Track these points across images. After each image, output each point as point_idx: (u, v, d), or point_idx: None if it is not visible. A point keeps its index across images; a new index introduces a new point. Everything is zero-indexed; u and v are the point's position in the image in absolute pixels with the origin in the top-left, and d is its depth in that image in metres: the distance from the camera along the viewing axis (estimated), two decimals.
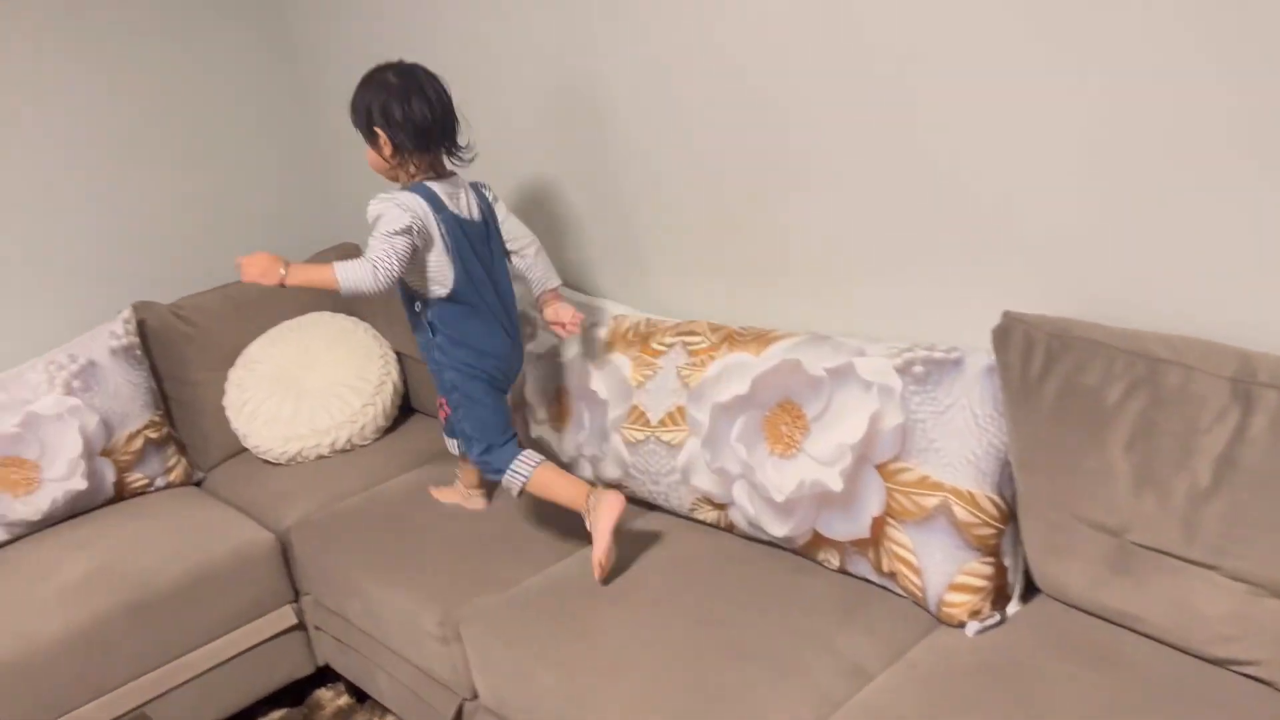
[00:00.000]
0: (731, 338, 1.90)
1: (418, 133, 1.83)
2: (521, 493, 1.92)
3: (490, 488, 2.23)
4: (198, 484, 2.70)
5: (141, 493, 2.57)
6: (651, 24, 2.01)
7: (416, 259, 1.84)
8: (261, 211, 3.05)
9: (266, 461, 2.65)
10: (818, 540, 1.72)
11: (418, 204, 1.82)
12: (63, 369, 2.45)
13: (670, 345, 1.99)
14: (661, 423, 1.94)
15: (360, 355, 2.71)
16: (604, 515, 1.78)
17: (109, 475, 2.47)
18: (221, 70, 2.92)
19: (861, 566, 1.69)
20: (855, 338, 1.75)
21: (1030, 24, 1.49)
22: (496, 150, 2.41)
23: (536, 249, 2.03)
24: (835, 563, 1.73)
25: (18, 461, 2.33)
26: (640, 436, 1.98)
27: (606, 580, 1.81)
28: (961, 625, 1.55)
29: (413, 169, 1.88)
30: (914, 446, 1.58)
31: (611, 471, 2.07)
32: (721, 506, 1.88)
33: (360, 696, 2.42)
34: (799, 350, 1.76)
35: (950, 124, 1.62)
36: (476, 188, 1.98)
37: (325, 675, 2.49)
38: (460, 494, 2.24)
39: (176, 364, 2.70)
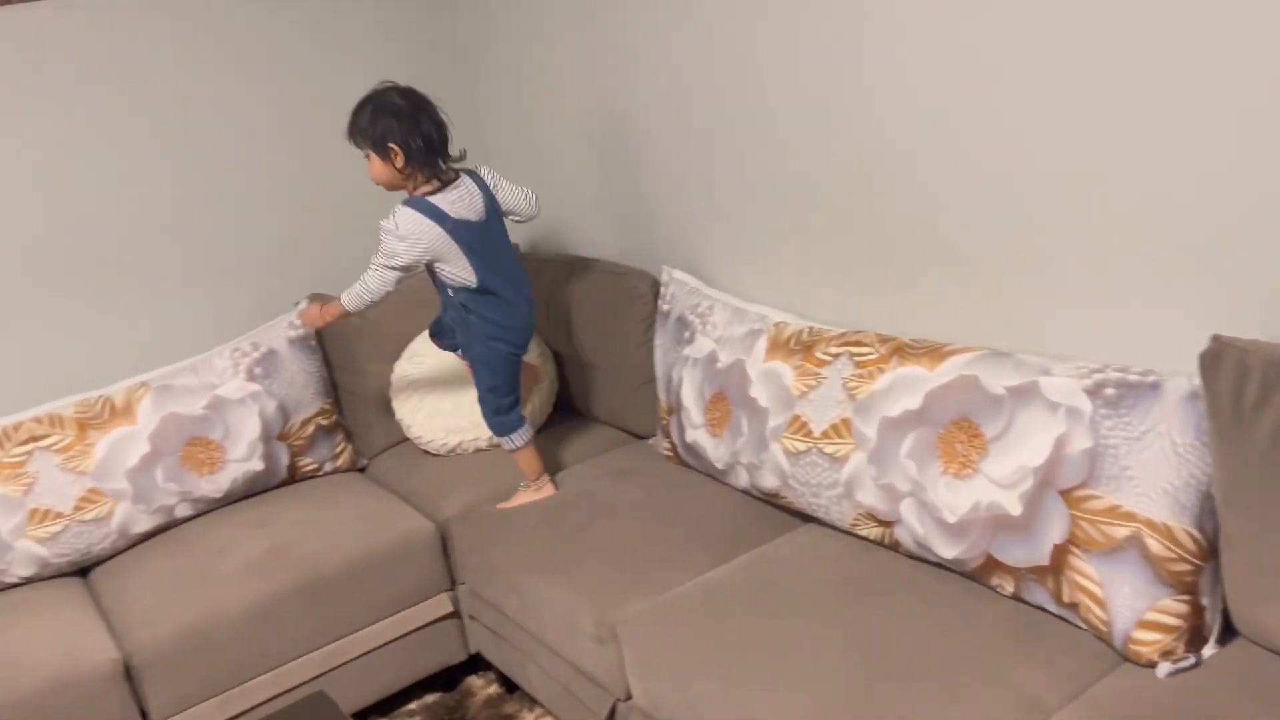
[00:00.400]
0: (902, 350, 1.85)
1: (428, 147, 2.07)
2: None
3: (553, 472, 2.46)
4: (361, 470, 2.81)
5: (311, 476, 2.69)
6: (815, 20, 1.98)
7: (437, 267, 2.18)
8: None
9: (426, 452, 2.74)
10: (991, 564, 1.66)
11: (425, 230, 2.10)
12: (246, 356, 2.59)
13: (835, 355, 1.95)
14: (825, 434, 1.90)
15: None
16: (542, 493, 2.32)
17: (283, 458, 2.60)
18: (394, 74, 3.02)
19: (1039, 595, 1.61)
20: (1038, 355, 1.67)
21: (1250, 30, 1.39)
22: (643, 138, 2.43)
23: (527, 217, 2.31)
24: (1009, 589, 1.66)
25: (204, 442, 2.47)
26: (802, 447, 1.95)
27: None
28: (1151, 665, 1.46)
29: (420, 179, 2.10)
30: (1103, 473, 1.50)
31: (769, 481, 2.04)
32: (887, 523, 1.83)
33: (510, 687, 2.47)
34: (977, 366, 1.69)
35: (1157, 121, 1.53)
36: (475, 175, 2.19)
37: (476, 663, 2.56)
38: (529, 492, 2.37)
39: (347, 354, 2.82)
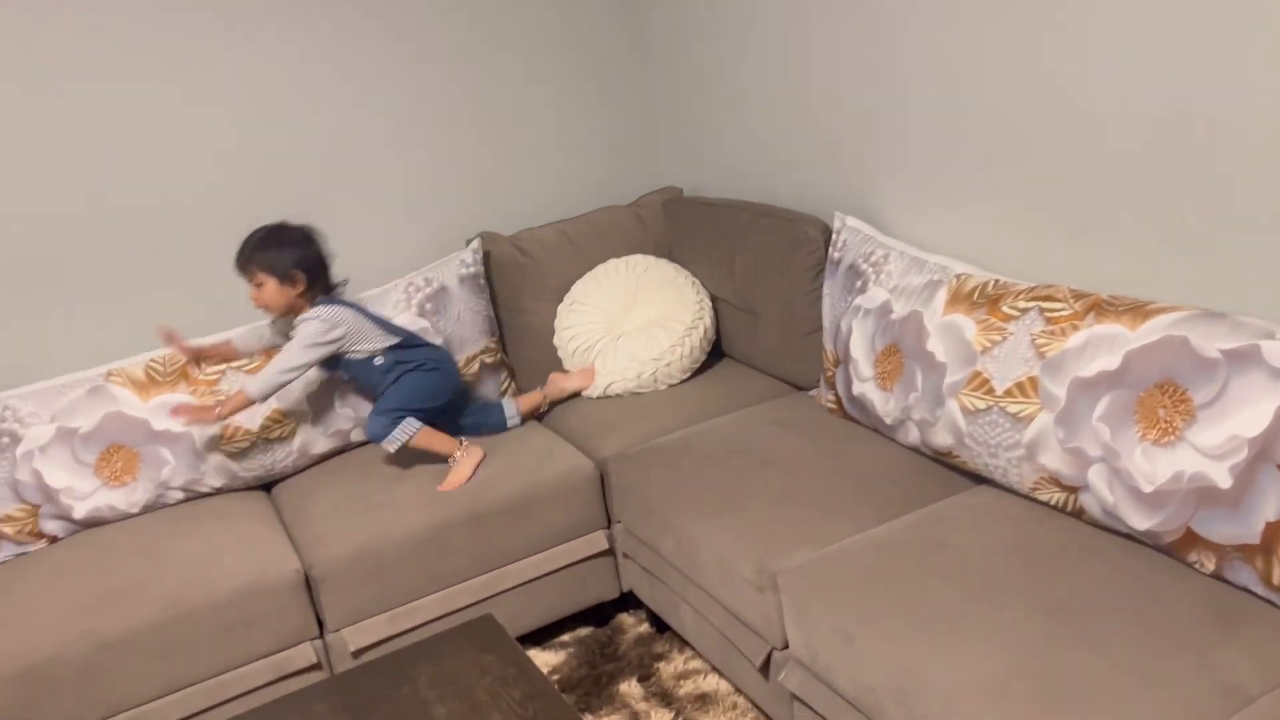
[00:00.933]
0: (1099, 306, 1.73)
1: (326, 269, 2.39)
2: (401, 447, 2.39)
3: (710, 418, 2.49)
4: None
5: None
6: None
7: (354, 351, 2.40)
8: (596, 153, 3.16)
9: (580, 394, 2.76)
10: (1190, 539, 1.55)
11: (344, 313, 2.37)
12: (419, 291, 2.66)
13: (1024, 310, 1.85)
14: (1008, 393, 1.81)
15: (677, 298, 2.75)
16: (474, 457, 2.41)
17: None
18: (568, 17, 3.02)
19: (1244, 575, 1.50)
20: (1259, 318, 1.54)
21: None
22: (818, 79, 2.34)
23: None
24: (1210, 567, 1.55)
25: None
26: (981, 405, 1.86)
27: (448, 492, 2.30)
28: None
29: (314, 296, 2.37)
30: None
31: (942, 439, 1.97)
32: (1071, 489, 1.74)
33: (661, 627, 2.50)
34: (1187, 326, 1.57)
35: None
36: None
37: (628, 601, 2.59)
38: (464, 463, 2.39)
39: (512, 293, 2.87)
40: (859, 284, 2.25)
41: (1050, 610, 1.54)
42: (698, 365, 2.73)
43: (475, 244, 2.79)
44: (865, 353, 2.17)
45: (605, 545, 2.47)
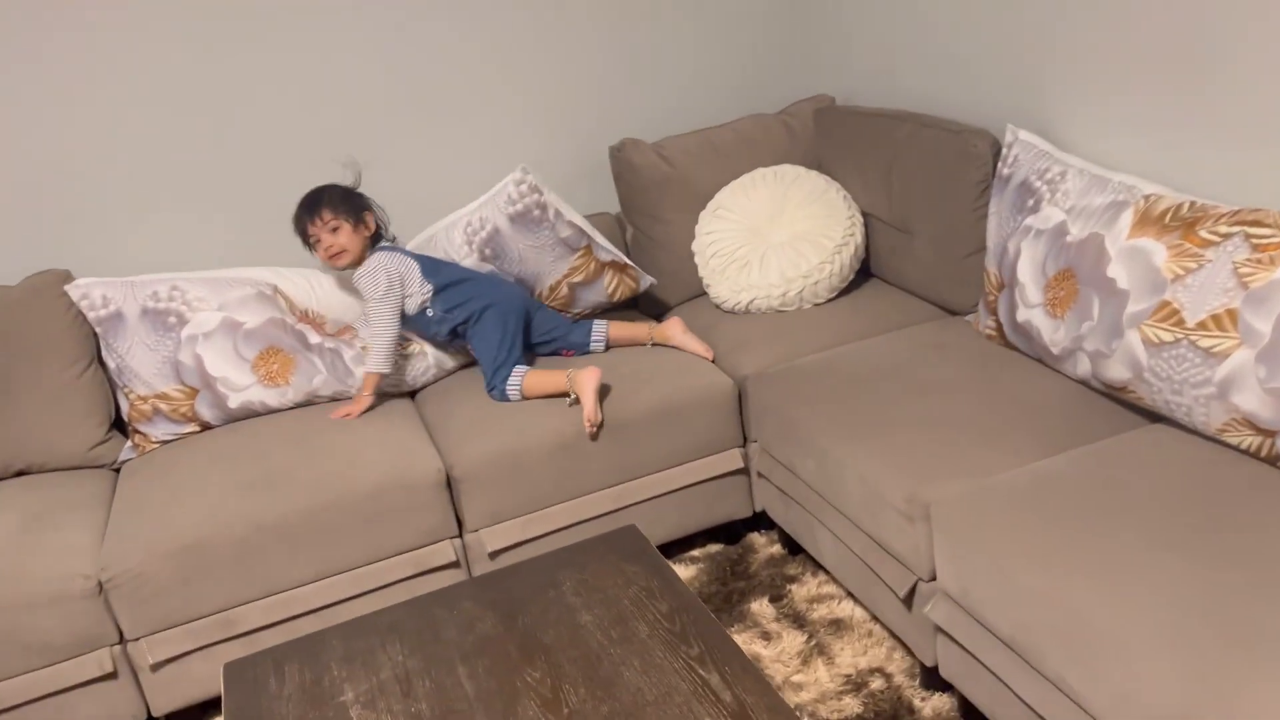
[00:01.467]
0: None
1: (383, 219, 2.46)
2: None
3: (858, 339, 2.44)
4: (657, 319, 2.82)
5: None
6: None
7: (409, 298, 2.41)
8: (743, 58, 3.03)
9: (719, 308, 2.70)
10: None
11: (388, 258, 2.39)
12: (477, 234, 2.51)
13: (1226, 235, 1.68)
14: (1202, 325, 1.66)
15: (827, 213, 2.63)
16: (588, 382, 2.23)
17: None
18: None
19: None
20: None
21: None
22: None
23: None
24: None
25: None
26: (1168, 338, 1.72)
27: (595, 435, 2.24)
28: None
29: (374, 244, 2.42)
30: None
31: (1117, 373, 1.83)
32: (1268, 433, 1.59)
33: (793, 549, 2.46)
34: None
35: None
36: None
37: (760, 521, 2.56)
38: (588, 398, 2.24)
39: (654, 201, 2.80)
40: (1030, 202, 2.10)
41: (1233, 559, 1.43)
42: (846, 284, 2.62)
43: (517, 173, 2.52)
44: (1034, 276, 2.03)
45: (740, 463, 2.43)
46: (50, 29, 2.39)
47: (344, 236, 2.35)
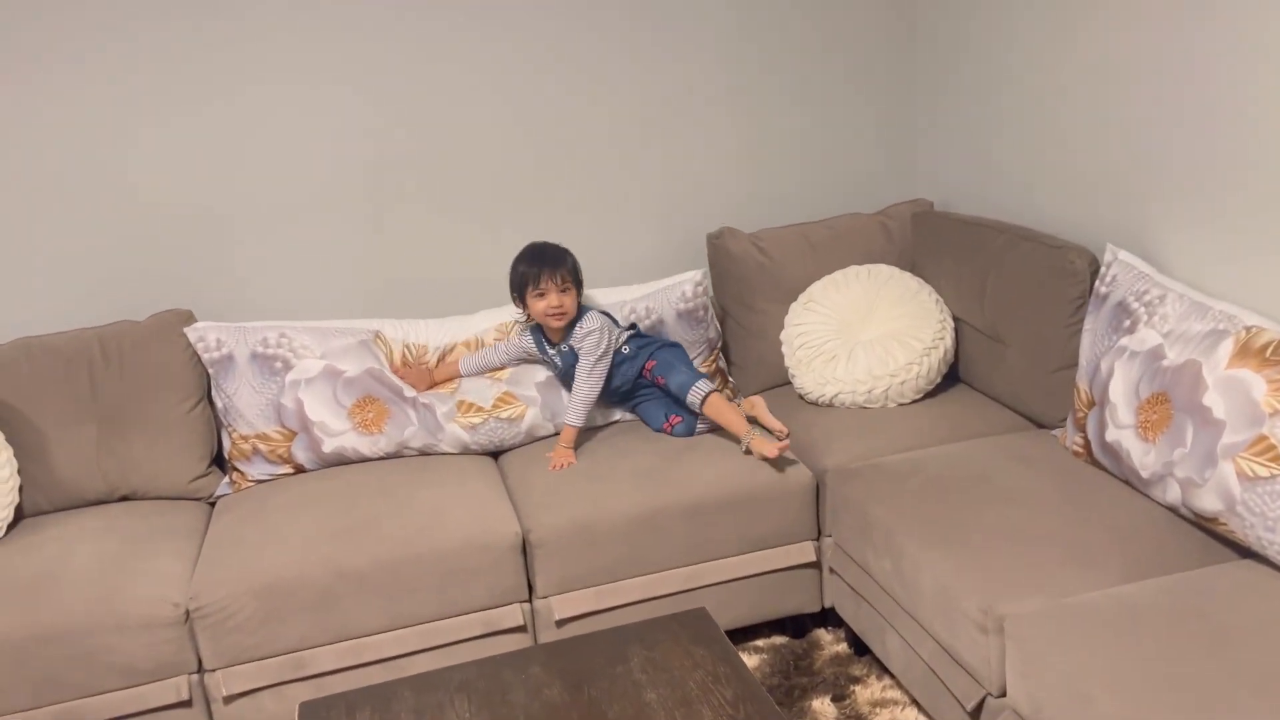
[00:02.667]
0: None
1: None
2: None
3: (941, 443, 2.42)
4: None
5: None
6: None
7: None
8: (846, 157, 3.09)
9: (803, 398, 2.72)
10: None
11: (603, 318, 2.54)
12: (640, 321, 2.69)
13: None
14: None
15: (918, 314, 2.65)
16: (768, 452, 2.35)
17: None
18: (834, 15, 2.96)
19: None
20: None
21: None
22: (1095, 100, 2.19)
23: None
24: None
25: None
26: (1263, 473, 1.69)
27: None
28: None
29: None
30: None
31: (1209, 503, 1.80)
32: None
33: (859, 649, 2.43)
34: None
35: None
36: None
37: (828, 617, 2.54)
38: (759, 440, 2.39)
39: (747, 290, 2.86)
40: (1127, 323, 2.10)
41: None
42: (932, 387, 2.63)
43: (697, 274, 2.73)
44: (1127, 398, 2.02)
45: (813, 557, 2.43)
46: (211, 89, 2.59)
47: (570, 300, 2.49)
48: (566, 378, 2.56)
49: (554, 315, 2.48)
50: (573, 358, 2.52)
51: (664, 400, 2.58)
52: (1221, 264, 2.09)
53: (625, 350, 2.55)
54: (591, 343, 2.48)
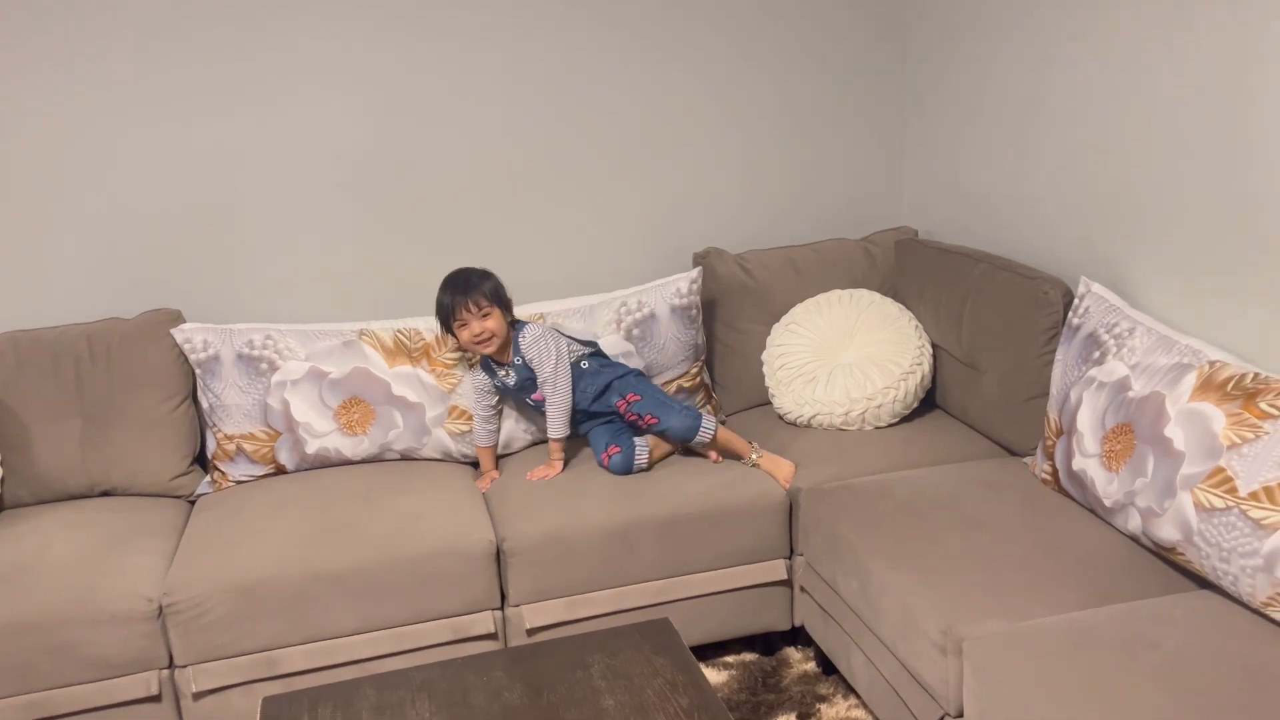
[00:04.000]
0: None
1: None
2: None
3: (912, 467, 2.46)
4: (722, 423, 2.88)
5: None
6: None
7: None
8: (833, 183, 3.14)
9: (782, 419, 2.76)
10: None
11: (546, 329, 2.53)
12: (630, 314, 2.70)
13: None
14: (1253, 495, 1.67)
15: (897, 339, 2.69)
16: (780, 475, 2.44)
17: None
18: (826, 44, 3.02)
19: None
20: None
21: None
22: (1066, 134, 2.24)
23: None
24: None
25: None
26: (1219, 504, 1.73)
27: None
28: None
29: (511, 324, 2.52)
30: None
31: (1167, 533, 1.84)
32: None
33: (827, 668, 2.45)
34: None
35: None
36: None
37: (797, 636, 2.56)
38: (768, 458, 2.47)
39: (732, 310, 2.90)
40: (1096, 354, 2.14)
41: None
42: (909, 411, 2.67)
43: (694, 273, 2.79)
44: (1093, 427, 2.06)
45: (784, 575, 2.46)
46: (207, 93, 2.63)
47: (494, 322, 2.44)
48: (523, 391, 2.53)
49: (483, 343, 2.44)
50: (526, 370, 2.49)
51: (610, 429, 2.54)
52: (1190, 300, 2.14)
53: (585, 365, 2.54)
54: (538, 356, 2.46)
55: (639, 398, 2.50)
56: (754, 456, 2.48)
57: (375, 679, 1.63)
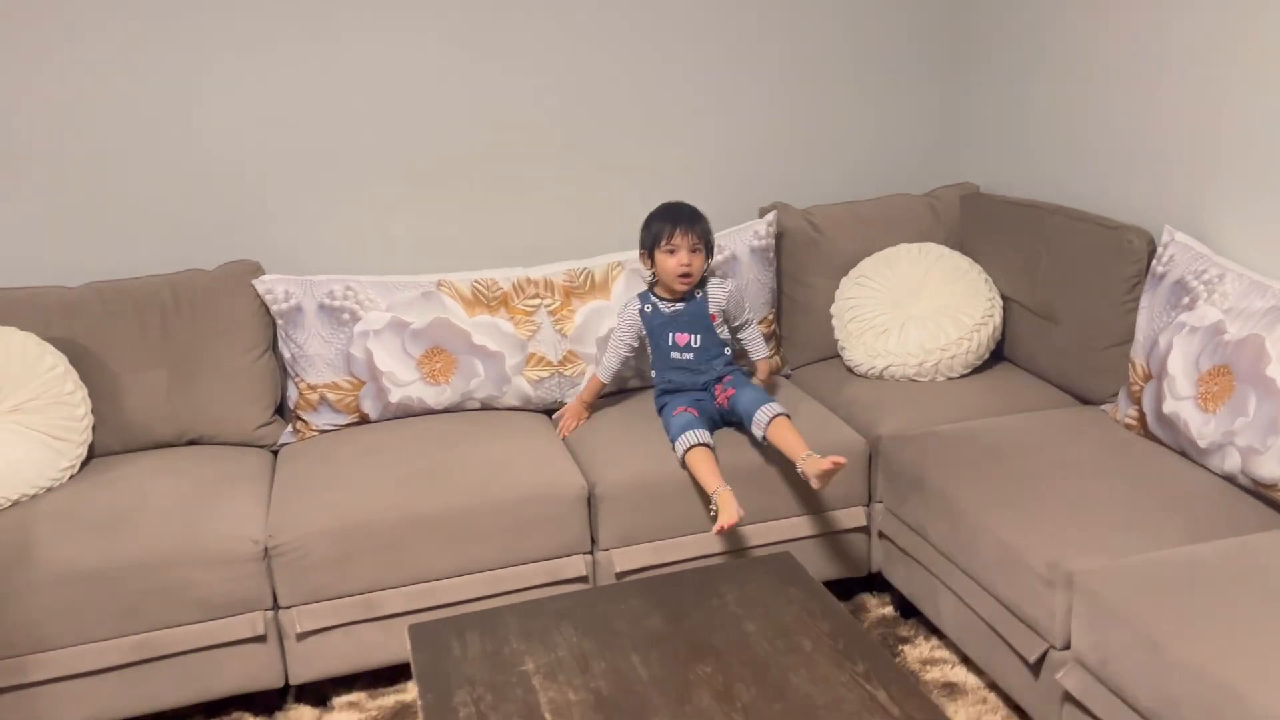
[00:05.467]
0: None
1: None
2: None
3: (994, 415, 2.46)
4: (786, 377, 2.92)
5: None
6: None
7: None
8: (896, 140, 3.16)
9: (852, 371, 2.79)
10: None
11: None
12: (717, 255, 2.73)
13: None
14: None
15: (968, 292, 2.72)
16: (729, 516, 2.18)
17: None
18: (890, 10, 3.03)
19: None
20: None
21: None
22: (1152, 84, 2.27)
23: None
24: None
25: None
26: None
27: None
28: None
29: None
30: None
31: (1270, 470, 1.88)
32: None
33: (905, 613, 2.50)
34: None
35: None
36: None
37: (872, 583, 2.61)
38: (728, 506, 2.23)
39: (799, 265, 2.92)
40: (1186, 300, 2.17)
41: None
42: (980, 363, 2.70)
43: (770, 216, 2.85)
44: (1186, 370, 2.09)
45: (863, 521, 2.50)
46: (286, 40, 2.63)
47: (698, 262, 2.47)
48: (675, 324, 2.50)
49: (683, 277, 2.45)
50: (701, 306, 2.51)
51: (690, 398, 2.49)
52: (1275, 245, 2.17)
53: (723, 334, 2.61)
54: (735, 304, 2.59)
55: (730, 377, 2.54)
56: (802, 463, 2.26)
57: (513, 608, 1.66)
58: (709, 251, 2.52)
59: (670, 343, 2.53)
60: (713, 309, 2.54)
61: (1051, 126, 2.78)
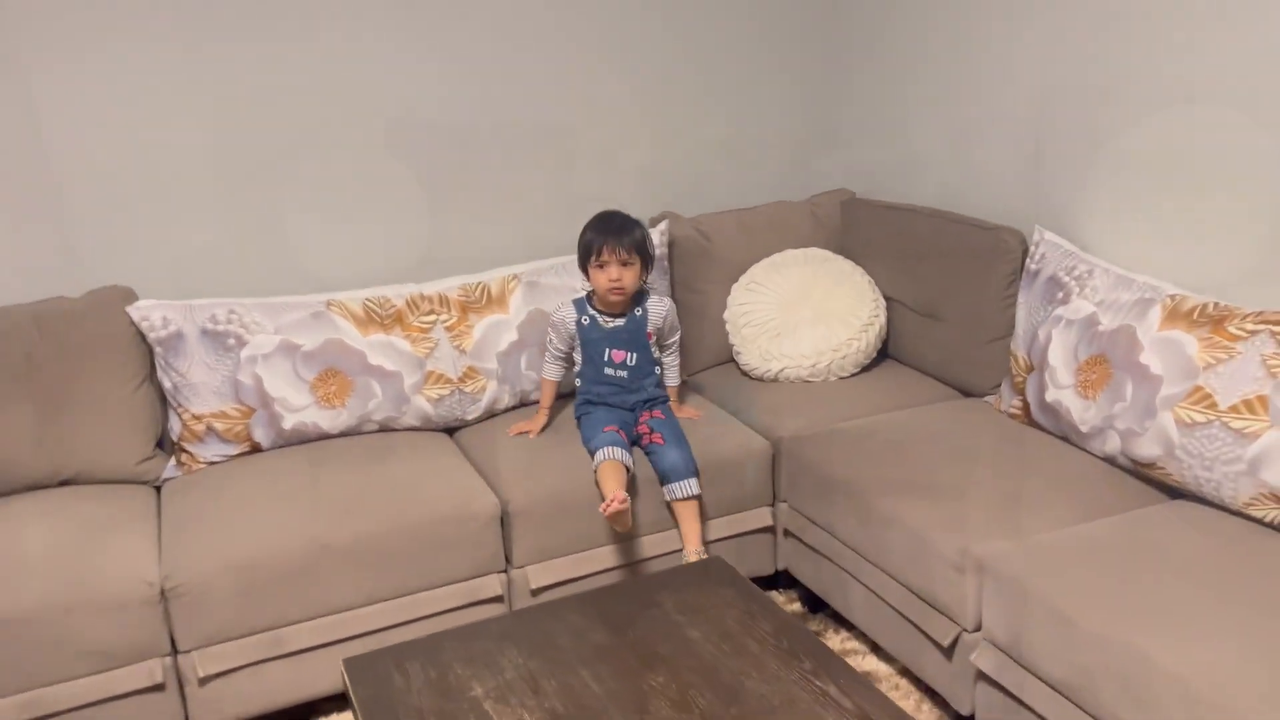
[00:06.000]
0: None
1: None
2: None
3: (882, 412, 2.54)
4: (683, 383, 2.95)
5: None
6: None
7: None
8: (774, 147, 3.24)
9: (746, 374, 2.85)
10: None
11: None
12: None
13: (1253, 332, 1.91)
14: (1233, 409, 1.87)
15: (854, 294, 2.83)
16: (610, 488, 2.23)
17: None
18: (766, 17, 3.12)
19: None
20: None
21: None
22: (1017, 93, 2.42)
23: None
24: None
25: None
26: (1200, 419, 1.92)
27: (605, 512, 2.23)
28: None
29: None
30: None
31: (1148, 450, 2.03)
32: None
33: (813, 607, 2.57)
34: None
35: None
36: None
37: (778, 580, 2.67)
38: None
39: (691, 272, 2.97)
40: (1060, 295, 2.32)
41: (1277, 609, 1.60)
42: (869, 362, 2.81)
43: (662, 226, 2.87)
44: (1065, 361, 2.24)
45: (769, 522, 2.55)
46: (144, 48, 2.48)
47: (631, 276, 2.41)
48: (611, 340, 2.48)
49: (615, 291, 2.40)
50: (637, 323, 2.49)
51: (615, 415, 2.49)
52: (1136, 242, 2.35)
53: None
54: (671, 321, 2.56)
55: (662, 416, 2.51)
56: (691, 556, 2.34)
57: (451, 633, 1.62)
58: (646, 263, 2.49)
59: (606, 358, 2.51)
60: (650, 327, 2.53)
61: (927, 133, 2.92)
